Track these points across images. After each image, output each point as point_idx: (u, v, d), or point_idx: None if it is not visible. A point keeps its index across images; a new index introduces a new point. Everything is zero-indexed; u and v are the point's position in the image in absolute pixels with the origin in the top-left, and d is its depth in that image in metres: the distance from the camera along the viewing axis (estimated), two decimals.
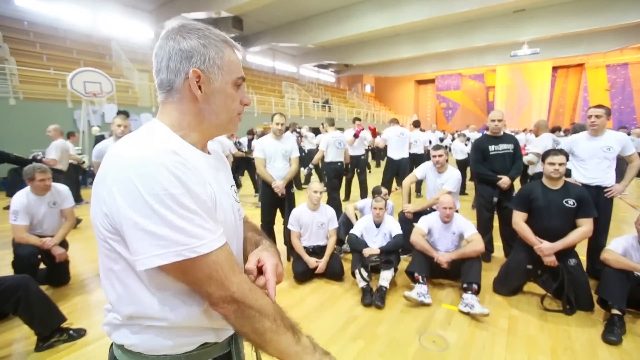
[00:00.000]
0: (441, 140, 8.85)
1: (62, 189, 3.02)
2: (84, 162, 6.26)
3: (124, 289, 0.65)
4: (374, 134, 7.36)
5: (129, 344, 0.67)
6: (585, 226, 2.56)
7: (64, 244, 3.01)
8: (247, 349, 0.80)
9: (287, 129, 4.80)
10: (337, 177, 5.09)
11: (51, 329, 2.16)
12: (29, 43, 10.84)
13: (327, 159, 5.10)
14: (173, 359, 0.67)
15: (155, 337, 0.66)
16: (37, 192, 2.81)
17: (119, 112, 3.55)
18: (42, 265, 2.90)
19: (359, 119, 6.46)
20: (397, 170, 5.75)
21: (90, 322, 2.47)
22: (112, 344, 0.73)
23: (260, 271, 0.76)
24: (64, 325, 2.23)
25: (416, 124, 7.81)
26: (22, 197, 2.77)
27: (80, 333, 2.27)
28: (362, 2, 14.80)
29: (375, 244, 3.10)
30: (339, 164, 5.09)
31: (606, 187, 2.97)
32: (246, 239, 0.87)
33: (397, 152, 5.74)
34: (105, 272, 0.68)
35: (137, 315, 0.65)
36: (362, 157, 6.45)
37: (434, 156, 3.59)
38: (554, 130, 6.51)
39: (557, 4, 14.42)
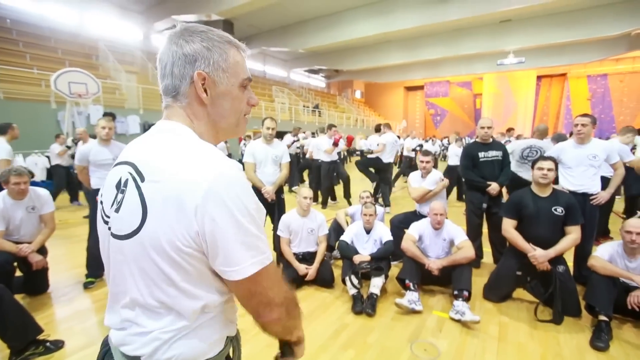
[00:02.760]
0: (420, 147, 9.00)
1: (42, 193, 2.89)
2: (69, 147, 6.19)
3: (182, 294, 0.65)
4: (349, 143, 7.39)
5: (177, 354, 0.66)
6: (574, 233, 2.59)
7: (43, 250, 2.87)
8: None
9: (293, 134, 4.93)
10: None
11: (26, 341, 2.04)
12: (12, 41, 10.53)
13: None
14: None
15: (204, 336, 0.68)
16: (13, 196, 2.68)
17: (105, 114, 3.45)
18: (18, 273, 2.77)
19: (334, 126, 6.39)
20: (380, 169, 5.94)
21: (70, 332, 2.36)
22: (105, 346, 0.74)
23: None
24: (41, 337, 2.11)
25: (377, 129, 6.89)
26: None
27: (57, 345, 2.16)
28: (353, 8, 14.95)
29: (365, 250, 3.07)
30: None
31: (592, 195, 3.02)
32: None
33: (390, 157, 5.88)
34: (164, 289, 0.64)
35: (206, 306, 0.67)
36: (337, 161, 6.56)
37: (422, 161, 3.62)
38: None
39: (542, 16, 14.88)
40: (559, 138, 4.82)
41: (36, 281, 2.85)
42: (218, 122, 0.71)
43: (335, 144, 6.07)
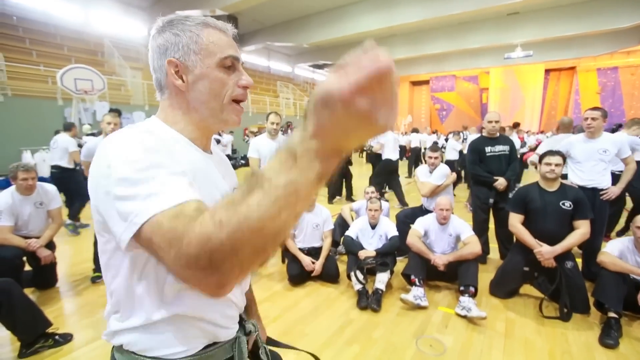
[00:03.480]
0: (402, 147, 8.99)
1: (50, 189, 2.92)
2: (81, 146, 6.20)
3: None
4: None
5: (130, 342, 0.64)
6: (583, 228, 2.55)
7: (51, 245, 2.91)
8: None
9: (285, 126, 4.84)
10: None
11: (35, 334, 2.07)
12: (18, 39, 10.60)
13: None
14: None
15: (160, 335, 0.63)
16: (21, 191, 2.71)
17: (111, 110, 3.46)
18: (27, 267, 2.81)
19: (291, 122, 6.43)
20: (391, 170, 5.87)
21: (78, 326, 2.39)
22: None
23: None
24: (50, 330, 2.15)
25: None
26: (7, 196, 2.68)
27: (66, 338, 2.19)
28: (358, 2, 14.78)
29: (371, 245, 3.06)
30: None
31: (602, 189, 2.97)
32: None
33: (394, 154, 5.83)
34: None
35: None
36: None
37: (430, 157, 3.61)
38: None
39: (549, 8, 14.57)
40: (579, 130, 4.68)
41: (45, 275, 2.89)
42: (199, 109, 0.66)
43: None
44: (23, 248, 2.65)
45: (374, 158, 6.34)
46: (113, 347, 0.68)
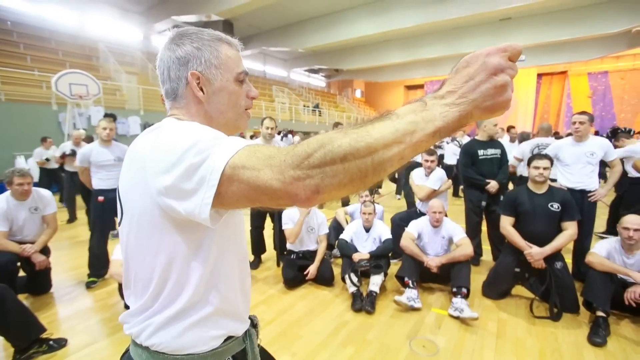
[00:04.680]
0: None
1: (45, 194, 2.92)
2: (48, 160, 6.23)
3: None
4: None
5: (158, 342, 0.66)
6: (571, 229, 2.61)
7: (45, 250, 2.91)
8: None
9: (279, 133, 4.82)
10: None
11: (29, 340, 2.07)
12: (12, 43, 10.56)
13: None
14: (200, 357, 0.67)
15: (187, 332, 0.66)
16: (17, 197, 2.71)
17: (106, 115, 3.47)
18: (22, 273, 2.80)
19: (341, 124, 6.33)
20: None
21: (73, 331, 2.39)
22: (127, 350, 0.74)
23: None
24: (44, 335, 2.15)
25: None
26: (2, 202, 2.68)
27: (60, 343, 2.19)
28: (353, 7, 14.94)
29: (365, 248, 3.09)
30: None
31: (590, 191, 3.04)
32: None
33: None
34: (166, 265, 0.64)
35: (186, 307, 0.65)
36: None
37: (426, 161, 3.63)
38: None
39: (541, 13, 14.83)
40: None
41: (39, 281, 2.88)
42: (217, 118, 0.72)
43: None
44: (17, 253, 2.64)
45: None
46: (134, 347, 0.70)
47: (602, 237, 4.55)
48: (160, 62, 0.71)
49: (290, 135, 10.14)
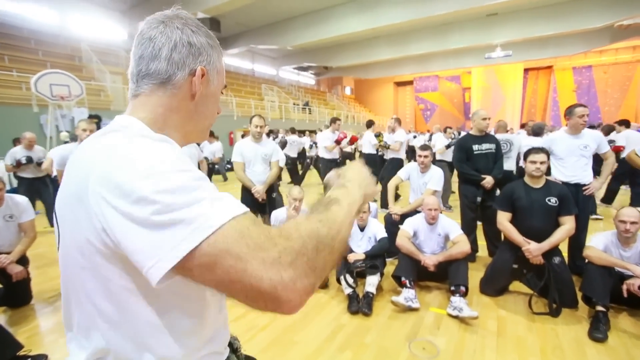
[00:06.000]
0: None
1: (21, 200, 2.76)
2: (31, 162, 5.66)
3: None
4: (352, 143, 7.27)
5: None
6: (569, 224, 2.58)
7: (23, 260, 2.75)
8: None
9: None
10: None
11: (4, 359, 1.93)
12: None
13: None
14: None
15: None
16: None
17: (90, 116, 3.32)
18: None
19: (338, 119, 6.06)
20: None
21: (55, 345, 2.26)
22: None
23: None
24: (22, 352, 2.01)
25: (369, 125, 6.85)
26: None
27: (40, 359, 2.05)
28: (342, 4, 14.84)
29: (360, 248, 3.02)
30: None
31: (585, 185, 3.02)
32: None
33: (402, 153, 5.70)
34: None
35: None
36: (338, 160, 6.34)
37: (420, 156, 3.56)
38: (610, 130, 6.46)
39: (527, 9, 15.01)
40: (537, 129, 5.16)
41: (17, 293, 2.72)
42: (196, 121, 0.65)
43: (338, 142, 5.81)
44: None
45: (373, 159, 6.11)
46: None
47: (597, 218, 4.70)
48: (159, 35, 0.58)
49: (281, 135, 9.93)
